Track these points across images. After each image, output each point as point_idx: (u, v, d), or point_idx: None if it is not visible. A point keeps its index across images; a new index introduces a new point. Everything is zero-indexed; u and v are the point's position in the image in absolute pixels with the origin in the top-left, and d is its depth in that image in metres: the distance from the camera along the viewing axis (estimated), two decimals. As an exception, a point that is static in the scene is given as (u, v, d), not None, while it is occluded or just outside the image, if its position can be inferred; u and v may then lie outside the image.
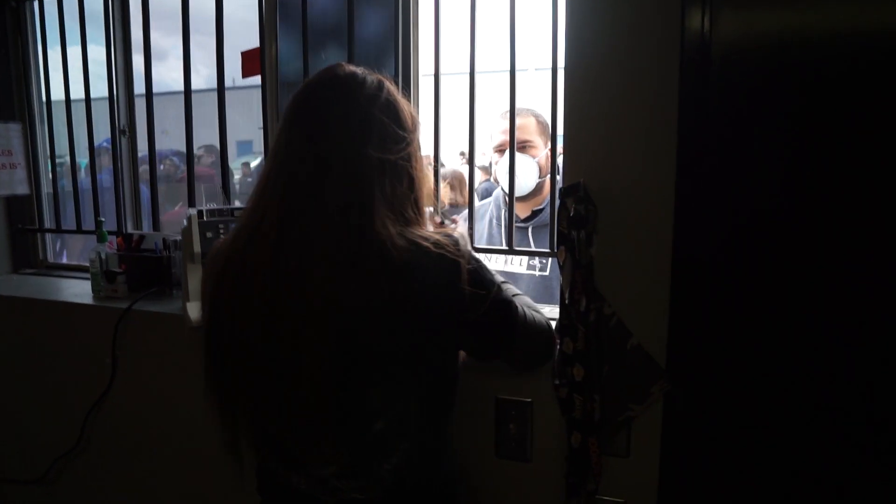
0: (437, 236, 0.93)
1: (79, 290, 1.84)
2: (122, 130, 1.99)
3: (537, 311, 1.11)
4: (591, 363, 1.14)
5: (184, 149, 1.85)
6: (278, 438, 0.98)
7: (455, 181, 3.37)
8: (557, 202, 1.16)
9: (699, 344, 1.15)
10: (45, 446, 1.79)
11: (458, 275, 0.91)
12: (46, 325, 1.77)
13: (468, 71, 1.47)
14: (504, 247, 1.51)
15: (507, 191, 1.60)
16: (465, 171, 3.42)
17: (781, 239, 1.10)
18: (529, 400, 1.25)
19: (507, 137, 1.54)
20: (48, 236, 2.18)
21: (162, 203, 2.54)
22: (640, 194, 1.12)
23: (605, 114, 1.13)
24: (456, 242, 0.93)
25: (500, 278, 1.05)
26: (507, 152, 1.47)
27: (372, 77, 0.98)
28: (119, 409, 1.69)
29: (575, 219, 1.13)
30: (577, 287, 1.14)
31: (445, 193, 3.30)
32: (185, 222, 1.52)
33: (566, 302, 1.15)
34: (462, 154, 4.40)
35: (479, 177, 3.43)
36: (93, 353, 1.67)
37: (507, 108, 1.45)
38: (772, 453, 1.12)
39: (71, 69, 1.98)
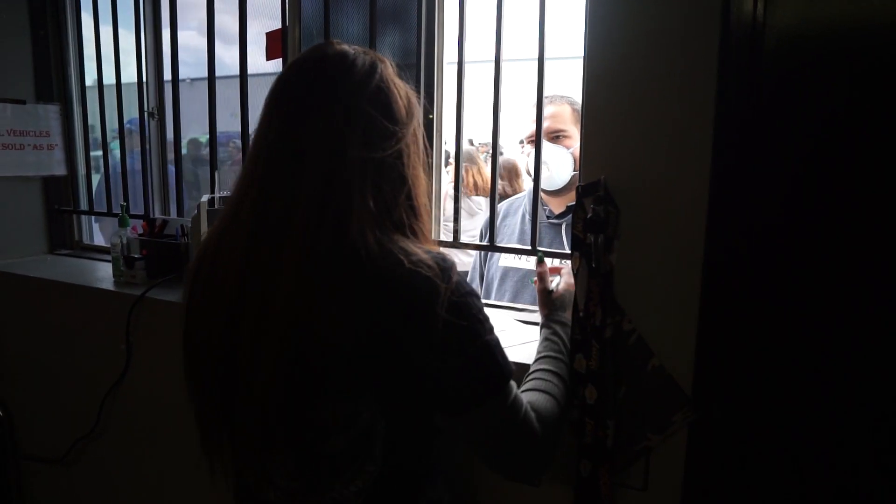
0: (421, 253, 0.80)
1: (104, 274, 1.83)
2: (151, 112, 1.97)
3: (548, 405, 0.92)
4: (605, 384, 1.01)
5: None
6: (242, 447, 0.90)
7: (504, 171, 3.22)
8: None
9: (731, 369, 1.01)
10: (67, 427, 1.80)
11: (432, 299, 0.77)
12: (70, 308, 1.77)
13: (493, 59, 1.35)
14: (527, 247, 1.40)
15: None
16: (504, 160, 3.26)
17: (837, 252, 0.94)
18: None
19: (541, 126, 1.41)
20: (88, 216, 2.21)
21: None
22: (669, 196, 0.98)
23: (630, 105, 0.99)
24: (441, 263, 0.80)
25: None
26: (543, 142, 1.34)
27: (364, 58, 0.88)
28: (134, 394, 1.68)
29: (592, 221, 1.00)
30: (592, 298, 1.01)
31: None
32: (196, 209, 1.47)
33: (580, 314, 1.03)
34: (480, 145, 4.19)
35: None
36: (111, 339, 1.65)
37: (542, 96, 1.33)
38: (809, 496, 0.97)
39: (107, 51, 1.97)
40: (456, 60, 1.40)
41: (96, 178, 2.29)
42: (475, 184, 3.30)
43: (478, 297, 0.84)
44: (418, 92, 1.35)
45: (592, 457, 1.03)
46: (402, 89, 0.90)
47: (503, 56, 1.34)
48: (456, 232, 1.45)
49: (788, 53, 0.95)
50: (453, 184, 1.46)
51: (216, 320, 0.85)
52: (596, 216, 1.00)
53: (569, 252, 1.39)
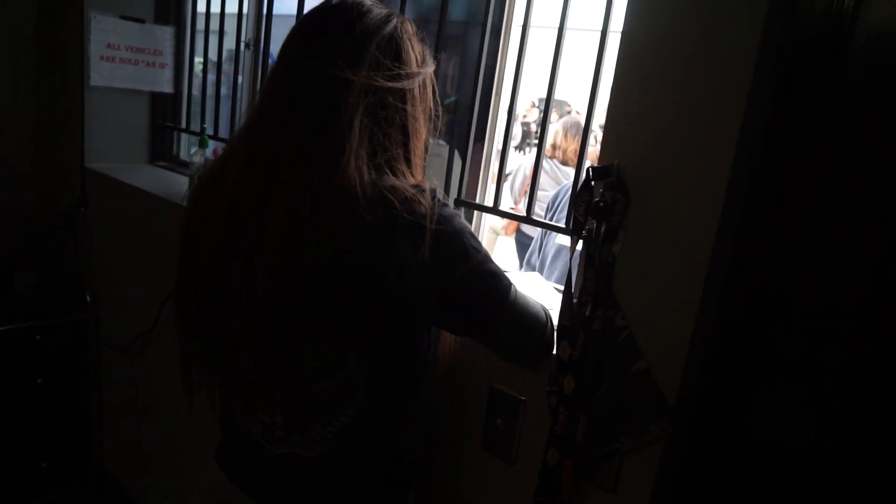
0: (409, 189, 0.81)
1: (185, 190, 1.98)
2: (247, 44, 2.07)
3: (535, 301, 0.96)
4: (584, 377, 0.97)
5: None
6: (228, 377, 0.95)
7: (574, 130, 2.97)
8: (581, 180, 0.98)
9: (721, 385, 0.93)
10: (135, 322, 1.99)
11: (416, 240, 0.78)
12: (150, 216, 1.94)
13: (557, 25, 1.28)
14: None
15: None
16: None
17: (873, 282, 0.83)
18: (524, 398, 1.11)
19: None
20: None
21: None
22: (683, 194, 0.90)
23: (658, 90, 0.91)
24: (421, 195, 0.80)
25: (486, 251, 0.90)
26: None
27: (380, 10, 0.87)
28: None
29: (597, 207, 0.94)
30: (586, 287, 0.97)
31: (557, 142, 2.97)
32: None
33: (574, 301, 0.98)
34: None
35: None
36: (176, 250, 1.79)
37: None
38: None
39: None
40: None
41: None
42: (574, 153, 3.15)
43: (461, 227, 0.84)
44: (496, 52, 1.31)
45: (561, 447, 1.00)
46: (417, 45, 0.90)
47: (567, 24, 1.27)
48: (531, 196, 1.40)
49: (883, 53, 0.83)
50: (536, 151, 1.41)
51: (209, 257, 0.87)
52: (602, 202, 0.94)
53: (559, 226, 1.33)
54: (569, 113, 5.43)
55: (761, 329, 0.94)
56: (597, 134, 2.27)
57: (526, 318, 0.94)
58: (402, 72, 0.85)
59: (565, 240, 1.84)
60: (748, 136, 0.85)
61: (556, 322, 1.00)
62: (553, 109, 1.45)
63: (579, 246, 0.98)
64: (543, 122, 1.35)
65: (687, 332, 0.92)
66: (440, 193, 0.83)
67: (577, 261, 0.99)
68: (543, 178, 2.93)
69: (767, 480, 0.95)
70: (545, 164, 2.85)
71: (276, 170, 0.81)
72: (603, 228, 0.95)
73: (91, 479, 2.30)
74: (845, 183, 0.87)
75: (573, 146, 2.88)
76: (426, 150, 0.94)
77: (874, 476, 0.86)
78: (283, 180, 0.80)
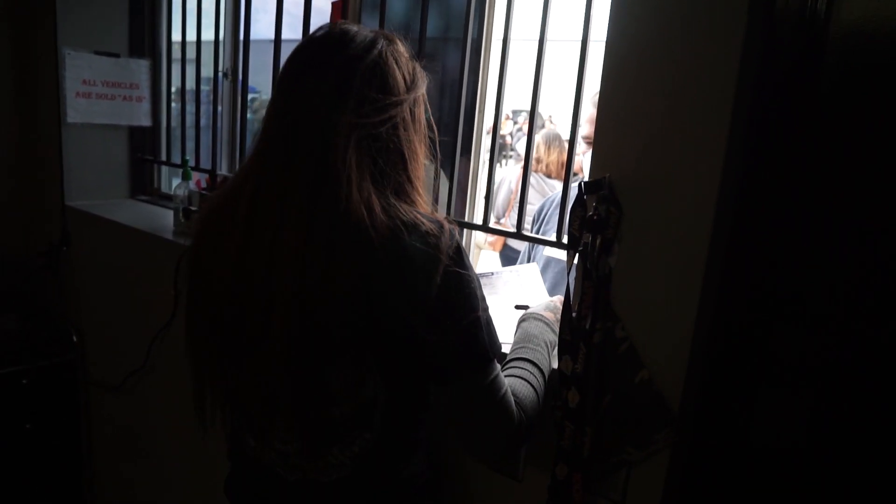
0: (424, 221, 0.82)
1: (169, 223, 1.96)
2: (225, 73, 2.07)
3: (528, 392, 0.93)
4: (588, 390, 0.98)
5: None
6: (242, 407, 0.95)
7: (552, 142, 2.98)
8: (573, 197, 0.99)
9: (724, 392, 0.94)
10: (125, 360, 1.96)
11: (429, 270, 0.80)
12: (135, 251, 1.92)
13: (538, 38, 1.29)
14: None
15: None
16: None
17: (862, 280, 0.85)
18: (528, 414, 1.11)
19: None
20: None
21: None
22: (675, 204, 0.92)
23: (645, 102, 0.93)
24: (441, 233, 0.81)
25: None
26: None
27: (365, 34, 0.88)
28: (177, 338, 1.79)
29: (591, 221, 0.95)
30: (585, 300, 0.97)
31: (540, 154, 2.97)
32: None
33: (573, 315, 0.99)
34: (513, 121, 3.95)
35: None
36: (165, 285, 1.77)
37: (597, 92, 1.26)
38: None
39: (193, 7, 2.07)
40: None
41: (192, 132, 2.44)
42: (557, 165, 3.16)
43: (473, 272, 0.85)
44: (478, 67, 1.31)
45: (569, 461, 1.00)
46: (405, 65, 0.90)
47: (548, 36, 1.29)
48: (520, 211, 1.40)
49: (858, 52, 0.85)
50: (522, 165, 1.41)
51: (221, 293, 0.87)
52: (595, 215, 0.95)
53: (548, 240, 1.35)
54: (543, 126, 5.48)
55: (759, 333, 0.95)
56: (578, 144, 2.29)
57: (504, 396, 0.88)
58: (388, 102, 0.86)
59: (552, 252, 1.85)
60: (736, 142, 0.87)
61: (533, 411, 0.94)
62: (525, 121, 1.46)
63: (575, 260, 0.99)
64: (529, 137, 1.36)
65: (686, 339, 0.93)
66: (456, 234, 0.84)
67: (574, 275, 0.99)
68: (530, 192, 2.94)
69: (769, 485, 0.96)
70: (531, 178, 2.87)
71: (283, 209, 0.82)
72: (598, 241, 0.96)
73: (86, 523, 2.25)
74: (835, 181, 0.89)
75: (555, 157, 2.90)
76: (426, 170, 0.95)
77: (873, 477, 0.88)
78: (292, 218, 0.81)
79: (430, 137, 0.94)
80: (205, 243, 0.92)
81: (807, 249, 0.91)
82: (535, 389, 0.95)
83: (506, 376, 0.93)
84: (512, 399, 0.88)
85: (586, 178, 1.00)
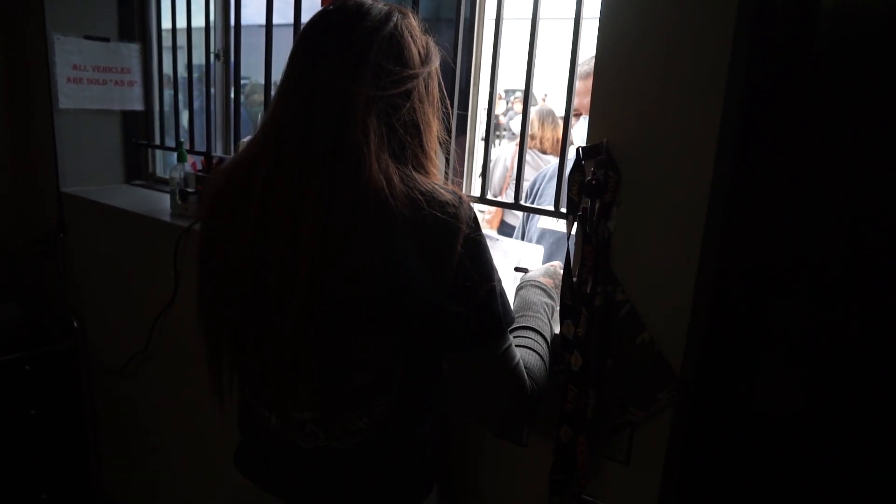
0: (442, 192, 0.83)
1: (166, 206, 1.96)
2: (217, 54, 2.05)
3: (535, 360, 0.94)
4: (590, 353, 0.99)
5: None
6: (260, 375, 0.95)
7: (543, 118, 2.99)
8: (571, 162, 0.99)
9: (724, 352, 0.96)
10: (127, 343, 1.97)
11: (449, 242, 0.80)
12: (133, 235, 1.92)
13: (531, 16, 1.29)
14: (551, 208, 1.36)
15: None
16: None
17: (859, 245, 0.86)
18: (531, 381, 1.12)
19: (585, 100, 1.35)
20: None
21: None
22: (672, 166, 0.93)
23: (641, 66, 0.93)
24: (459, 205, 0.82)
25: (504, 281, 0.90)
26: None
27: (380, 8, 0.89)
28: (180, 320, 1.81)
29: (589, 185, 0.96)
30: (585, 265, 0.98)
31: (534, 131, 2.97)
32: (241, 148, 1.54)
33: (573, 280, 1.00)
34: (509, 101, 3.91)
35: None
36: (165, 267, 1.78)
37: (588, 66, 1.27)
38: (798, 485, 0.92)
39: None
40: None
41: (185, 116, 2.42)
42: (552, 141, 3.16)
43: (481, 233, 0.86)
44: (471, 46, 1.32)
45: (573, 424, 1.02)
46: (419, 39, 0.91)
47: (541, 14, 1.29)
48: (517, 182, 1.41)
49: (850, 19, 0.86)
50: (518, 140, 1.41)
51: (239, 267, 0.87)
52: (594, 180, 0.96)
53: (547, 210, 1.36)
54: (535, 104, 5.47)
55: (758, 297, 0.97)
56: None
57: (517, 366, 0.89)
58: (404, 74, 0.86)
59: (547, 224, 1.87)
60: (732, 107, 0.88)
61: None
62: (516, 99, 1.47)
63: (563, 228, 1.00)
64: (524, 112, 1.36)
65: (686, 301, 0.94)
66: (472, 216, 0.84)
67: (574, 240, 1.00)
68: (525, 169, 2.94)
69: (767, 448, 0.98)
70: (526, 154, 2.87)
71: (302, 180, 0.82)
72: (597, 206, 0.97)
73: (93, 507, 2.27)
74: (833, 146, 0.90)
75: (549, 134, 2.90)
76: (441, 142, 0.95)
77: (867, 441, 0.90)
78: (312, 189, 0.81)
79: (443, 111, 0.95)
80: (218, 218, 0.91)
81: (805, 213, 0.93)
82: (541, 357, 0.96)
83: None
84: (523, 368, 0.89)
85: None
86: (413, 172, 0.85)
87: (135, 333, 1.92)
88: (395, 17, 0.88)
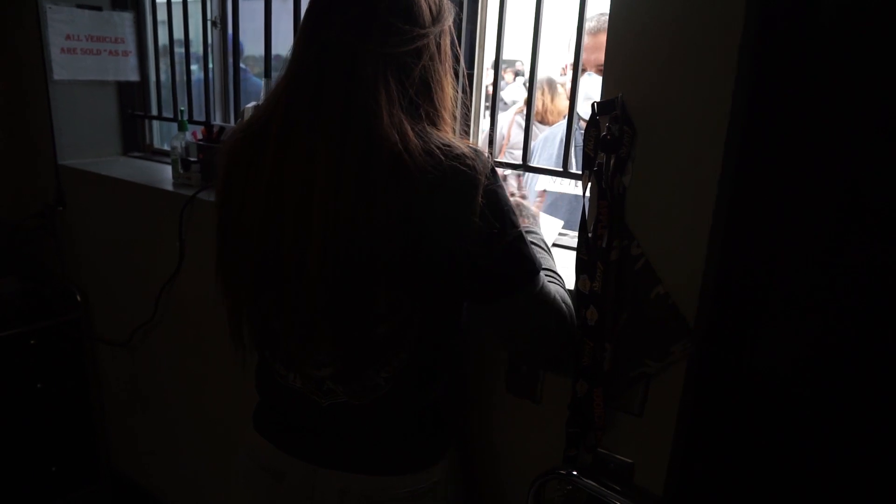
0: (460, 145, 0.83)
1: (167, 176, 1.95)
2: (214, 21, 2.02)
3: (560, 288, 0.99)
4: (605, 307, 1.00)
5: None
6: (278, 334, 0.95)
7: (545, 86, 2.98)
8: (585, 120, 1.00)
9: (737, 305, 0.97)
10: (131, 314, 1.97)
11: (470, 193, 0.81)
12: (135, 206, 1.91)
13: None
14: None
15: (581, 115, 1.44)
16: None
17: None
18: (544, 338, 1.14)
19: (593, 56, 1.35)
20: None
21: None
22: (687, 120, 0.93)
23: (655, 20, 0.93)
24: (478, 156, 0.83)
25: (524, 223, 0.93)
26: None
27: None
28: (185, 288, 1.80)
29: (605, 140, 0.96)
30: (601, 220, 0.99)
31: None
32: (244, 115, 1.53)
33: (589, 235, 1.01)
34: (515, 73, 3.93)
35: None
36: (169, 236, 1.77)
37: (595, 22, 1.26)
38: (812, 446, 0.94)
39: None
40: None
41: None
42: (545, 109, 3.15)
43: (500, 184, 0.87)
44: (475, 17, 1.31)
45: (588, 378, 1.04)
46: None
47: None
48: (525, 143, 1.41)
49: None
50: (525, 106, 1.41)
51: (254, 226, 0.88)
52: (609, 135, 0.96)
53: (556, 170, 1.36)
54: (520, 72, 5.44)
55: (768, 250, 0.97)
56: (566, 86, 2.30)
57: (555, 298, 0.95)
58: (414, 33, 0.86)
59: (543, 183, 1.89)
60: (746, 64, 0.88)
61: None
62: (507, 69, 1.47)
63: (559, 188, 1.01)
64: (531, 81, 1.36)
65: (700, 255, 0.95)
66: (489, 166, 0.85)
67: (589, 195, 1.01)
68: (521, 135, 2.93)
69: (772, 403, 1.00)
70: (523, 122, 2.86)
71: (315, 138, 0.82)
72: (612, 161, 0.97)
73: (103, 479, 2.29)
74: (845, 108, 0.90)
75: (548, 103, 2.89)
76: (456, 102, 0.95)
77: (867, 394, 0.91)
78: (325, 146, 0.81)
79: (455, 70, 0.94)
80: (234, 177, 0.92)
81: (819, 166, 0.93)
82: (561, 284, 1.02)
83: None
84: (559, 297, 0.95)
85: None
86: (428, 127, 0.86)
87: (139, 305, 1.92)
88: None
